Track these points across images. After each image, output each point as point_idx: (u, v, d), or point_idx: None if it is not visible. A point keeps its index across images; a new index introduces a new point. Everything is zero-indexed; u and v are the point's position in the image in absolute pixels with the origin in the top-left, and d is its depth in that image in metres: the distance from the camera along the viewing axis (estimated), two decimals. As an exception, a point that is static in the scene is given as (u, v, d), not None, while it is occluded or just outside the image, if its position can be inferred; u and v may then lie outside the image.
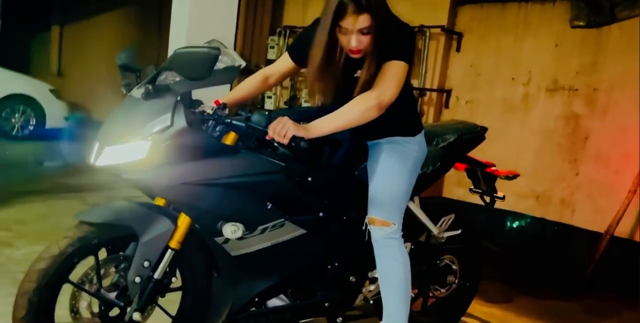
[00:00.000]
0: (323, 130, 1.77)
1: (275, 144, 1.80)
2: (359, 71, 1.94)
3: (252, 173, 1.82)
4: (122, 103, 1.81)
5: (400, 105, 2.00)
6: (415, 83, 5.91)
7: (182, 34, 4.64)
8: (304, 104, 6.42)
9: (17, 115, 7.72)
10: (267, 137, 1.72)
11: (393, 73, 1.85)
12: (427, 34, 5.78)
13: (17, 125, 7.76)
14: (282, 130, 1.68)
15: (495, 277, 3.67)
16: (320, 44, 1.89)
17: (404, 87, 2.00)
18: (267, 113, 1.75)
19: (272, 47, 6.82)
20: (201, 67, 1.61)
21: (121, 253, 1.85)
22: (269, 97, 6.60)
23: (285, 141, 1.67)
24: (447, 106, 5.82)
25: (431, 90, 5.80)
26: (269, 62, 6.91)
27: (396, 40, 1.89)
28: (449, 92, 5.81)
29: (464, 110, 5.66)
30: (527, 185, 4.90)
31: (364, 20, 1.81)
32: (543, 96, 5.11)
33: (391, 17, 1.95)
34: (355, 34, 1.84)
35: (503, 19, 5.44)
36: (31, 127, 7.85)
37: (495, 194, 2.69)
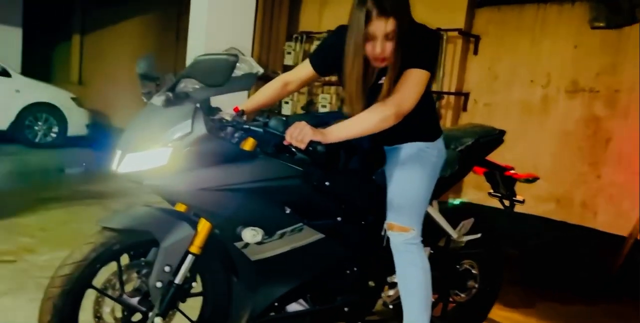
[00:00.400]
0: (340, 136, 1.78)
1: (293, 149, 1.83)
2: (384, 78, 1.93)
3: (270, 178, 1.83)
4: (143, 110, 1.84)
5: (420, 111, 2.00)
6: (432, 87, 5.88)
7: (200, 41, 4.69)
8: (321, 109, 6.43)
9: (40, 123, 7.86)
10: (285, 142, 1.73)
11: (414, 82, 1.85)
12: (444, 37, 5.76)
13: (39, 133, 7.89)
14: (299, 135, 1.69)
15: (516, 281, 3.63)
16: (357, 53, 1.88)
17: (426, 94, 2.00)
18: (284, 118, 1.77)
19: (289, 53, 6.86)
20: (220, 73, 1.64)
21: (143, 258, 1.87)
22: (286, 103, 6.63)
23: (303, 146, 1.69)
24: (465, 109, 5.78)
25: (449, 93, 5.78)
26: (286, 67, 6.95)
27: (419, 47, 1.88)
28: (466, 95, 5.78)
29: (482, 113, 5.62)
30: (547, 188, 4.85)
31: (388, 25, 1.81)
32: (562, 98, 5.06)
33: (415, 23, 1.94)
34: (380, 40, 1.84)
35: (520, 21, 5.41)
36: (53, 135, 7.98)
37: (514, 198, 2.67)
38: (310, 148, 1.71)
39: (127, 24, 10.13)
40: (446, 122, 5.80)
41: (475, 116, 5.65)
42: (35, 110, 7.76)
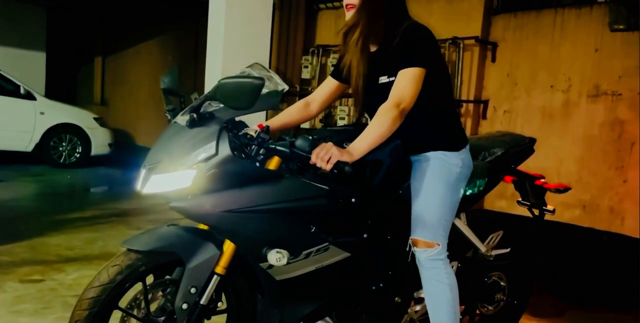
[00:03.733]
0: (363, 149, 1.78)
1: (319, 172, 1.79)
2: (381, 77, 1.96)
3: (295, 198, 1.81)
4: (167, 130, 1.84)
5: (442, 117, 2.00)
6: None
7: (218, 58, 4.75)
8: (339, 122, 6.44)
9: (64, 143, 8.00)
10: (311, 162, 1.71)
11: (407, 80, 1.85)
12: (461, 45, 5.74)
13: (64, 153, 8.04)
14: (325, 155, 1.67)
15: (544, 289, 3.56)
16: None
17: (443, 97, 2.01)
18: (310, 137, 1.73)
19: (306, 67, 6.91)
20: (246, 97, 1.63)
21: (167, 277, 1.88)
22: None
23: (329, 167, 1.67)
24: (484, 117, 5.74)
25: (467, 101, 5.74)
26: (303, 81, 6.99)
27: (408, 46, 1.88)
28: (485, 102, 5.73)
29: (502, 121, 5.57)
30: (572, 194, 4.74)
31: None
32: (585, 102, 4.99)
33: (405, 21, 1.94)
34: None
35: (538, 26, 5.37)
36: (77, 155, 8.12)
37: (544, 207, 2.58)
38: (336, 171, 1.69)
39: (147, 45, 10.32)
40: (466, 130, 5.76)
41: (495, 123, 5.60)
42: (59, 131, 7.91)
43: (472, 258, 2.48)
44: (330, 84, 2.21)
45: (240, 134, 1.80)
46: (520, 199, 2.66)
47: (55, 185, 6.88)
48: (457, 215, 2.26)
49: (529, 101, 5.38)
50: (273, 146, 1.75)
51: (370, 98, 2.02)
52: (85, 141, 8.10)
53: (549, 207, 2.58)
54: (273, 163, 1.82)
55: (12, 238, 3.98)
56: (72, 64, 11.72)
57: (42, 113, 7.75)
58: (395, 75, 1.88)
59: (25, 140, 7.64)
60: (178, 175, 1.69)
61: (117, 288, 1.74)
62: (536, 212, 2.62)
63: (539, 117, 5.29)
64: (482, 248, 2.43)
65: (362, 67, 1.98)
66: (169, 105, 1.88)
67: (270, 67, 4.82)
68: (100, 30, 11.36)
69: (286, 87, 1.83)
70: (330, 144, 1.70)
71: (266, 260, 1.80)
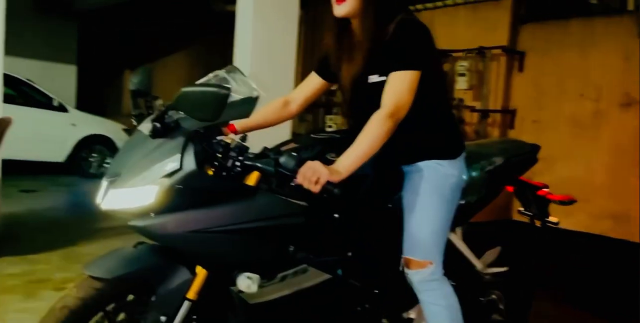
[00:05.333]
0: (352, 165, 1.59)
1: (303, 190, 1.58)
2: (370, 76, 1.78)
3: (270, 216, 1.61)
4: (131, 138, 1.68)
5: (436, 122, 1.85)
6: (477, 105, 5.83)
7: (244, 70, 4.81)
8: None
9: (94, 154, 8.17)
10: (297, 183, 1.54)
11: (400, 84, 1.67)
12: (488, 55, 5.72)
13: (94, 164, 8.19)
14: (313, 176, 1.49)
15: (572, 302, 3.49)
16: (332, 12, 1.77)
17: (438, 101, 1.86)
18: (296, 154, 1.55)
19: (332, 78, 6.93)
20: (210, 108, 1.45)
21: (130, 297, 1.66)
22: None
23: (318, 188, 1.50)
24: (512, 127, 5.68)
25: (495, 111, 5.70)
26: (329, 92, 7.03)
27: (400, 46, 1.69)
28: (513, 112, 5.68)
29: (531, 130, 5.51)
30: (602, 204, 4.68)
31: None
32: (615, 111, 4.92)
33: (397, 18, 1.73)
34: None
35: (566, 36, 5.32)
36: (107, 166, 8.26)
37: (547, 219, 2.36)
38: (325, 194, 1.52)
39: (175, 58, 10.50)
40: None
41: (524, 133, 5.54)
42: (90, 143, 8.08)
43: (467, 276, 2.27)
44: (313, 81, 2.02)
45: (214, 141, 1.61)
46: (521, 209, 2.44)
47: (87, 195, 7.01)
48: (452, 230, 2.12)
49: (557, 110, 5.32)
50: (256, 163, 1.57)
51: (358, 98, 1.84)
52: (115, 152, 8.23)
53: (553, 219, 2.37)
54: (252, 178, 1.63)
55: (47, 247, 4.06)
56: (102, 77, 11.99)
57: (73, 125, 7.93)
58: (386, 74, 1.69)
59: (57, 151, 7.81)
60: (138, 190, 1.50)
61: (76, 319, 1.52)
62: (538, 223, 2.40)
63: (569, 126, 5.22)
64: (478, 265, 2.26)
65: (355, 65, 1.79)
66: (136, 110, 1.69)
67: (296, 77, 4.88)
68: (130, 43, 11.60)
69: (261, 94, 1.66)
70: (317, 162, 1.52)
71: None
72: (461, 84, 5.86)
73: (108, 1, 9.23)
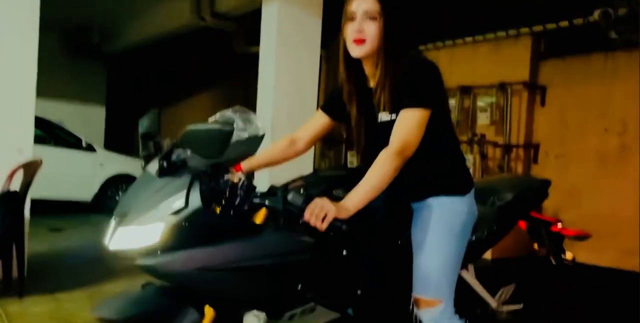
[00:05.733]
0: (360, 202, 1.58)
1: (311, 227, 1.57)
2: (381, 114, 1.78)
3: (277, 253, 1.60)
4: (139, 178, 1.70)
5: (444, 160, 1.86)
6: (499, 140, 5.81)
7: (268, 108, 4.91)
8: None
9: (121, 192, 8.29)
10: (304, 220, 1.53)
11: (410, 122, 1.67)
12: (509, 90, 5.74)
13: (120, 203, 8.31)
14: (321, 212, 1.49)
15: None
16: (341, 51, 1.80)
17: (447, 138, 1.87)
18: (303, 191, 1.57)
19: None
20: (214, 145, 1.50)
21: None
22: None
23: (325, 226, 1.49)
24: (535, 161, 5.63)
25: (517, 146, 5.67)
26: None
27: (411, 84, 1.70)
28: (536, 147, 5.64)
29: (554, 165, 5.45)
30: (632, 240, 4.56)
31: (369, 4, 1.71)
32: (641, 145, 4.85)
33: (408, 57, 1.75)
34: (359, 18, 1.72)
35: (588, 70, 5.32)
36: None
37: (562, 255, 2.32)
38: (332, 232, 1.52)
39: (200, 97, 10.75)
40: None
41: (547, 168, 5.48)
42: (116, 181, 8.21)
43: (481, 314, 2.23)
44: (319, 120, 2.02)
45: (221, 180, 1.62)
46: (535, 246, 2.40)
47: (112, 234, 7.07)
48: (465, 267, 2.10)
49: (582, 145, 5.27)
50: (264, 201, 1.57)
51: (368, 136, 1.86)
52: (141, 190, 8.36)
53: (568, 256, 2.33)
54: (260, 216, 1.63)
55: (73, 285, 4.09)
56: (129, 116, 12.28)
57: (101, 164, 8.09)
58: (396, 112, 1.70)
59: (85, 190, 7.96)
60: (145, 229, 1.51)
61: None
62: (553, 260, 2.34)
63: (593, 161, 5.15)
64: (493, 303, 2.22)
65: (367, 104, 1.81)
66: (144, 151, 1.71)
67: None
68: (156, 84, 11.93)
69: (265, 132, 1.67)
70: (325, 199, 1.51)
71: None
72: (483, 119, 5.86)
73: (135, 44, 9.56)
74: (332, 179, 1.83)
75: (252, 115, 1.67)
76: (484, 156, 5.88)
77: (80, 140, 7.99)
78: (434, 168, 1.84)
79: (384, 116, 1.77)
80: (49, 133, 7.78)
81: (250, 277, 1.58)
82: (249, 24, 7.57)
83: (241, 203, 1.58)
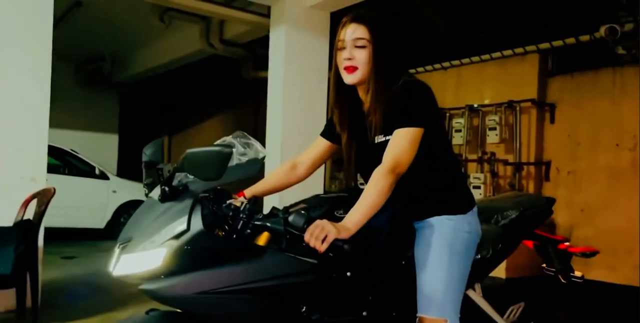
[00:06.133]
0: (360, 221, 1.60)
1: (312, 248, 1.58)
2: (376, 137, 1.81)
3: (279, 275, 1.60)
4: (143, 205, 1.72)
5: (444, 179, 1.87)
6: (510, 158, 5.79)
7: (277, 131, 4.95)
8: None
9: (133, 219, 8.33)
10: (305, 242, 1.54)
11: (403, 141, 1.70)
12: (517, 108, 5.74)
13: (133, 229, 8.35)
14: (321, 234, 1.50)
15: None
16: (332, 77, 1.85)
17: (444, 158, 1.89)
18: (304, 213, 1.57)
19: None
20: (213, 167, 1.51)
21: None
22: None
23: (324, 247, 1.50)
24: (547, 179, 5.60)
25: (528, 163, 5.64)
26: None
27: (403, 104, 1.73)
28: (547, 164, 5.61)
29: (567, 182, 5.41)
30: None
31: (358, 31, 1.75)
32: (654, 160, 4.81)
33: (401, 78, 1.78)
34: (349, 47, 1.77)
35: (596, 86, 5.32)
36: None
37: (572, 273, 2.31)
38: (331, 254, 1.53)
39: (210, 122, 10.87)
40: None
41: (559, 185, 5.44)
42: (129, 208, 8.26)
43: None
44: (320, 145, 2.07)
45: (224, 205, 1.65)
46: (544, 265, 2.37)
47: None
48: (471, 286, 2.08)
49: (593, 161, 5.23)
50: (265, 223, 1.58)
51: (365, 159, 1.88)
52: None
53: (577, 274, 2.30)
54: (262, 238, 1.64)
55: (86, 313, 4.09)
56: (142, 144, 12.38)
57: (114, 191, 8.16)
58: (391, 134, 1.73)
59: (98, 217, 8.01)
60: (148, 254, 1.52)
61: None
62: (562, 279, 2.33)
63: (606, 176, 5.11)
64: (501, 322, 2.18)
65: (362, 127, 1.85)
66: (148, 179, 1.72)
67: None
68: (167, 111, 12.09)
69: (266, 154, 1.71)
70: (325, 221, 1.53)
71: None
72: (492, 137, 5.86)
73: (146, 72, 9.73)
74: (333, 200, 1.83)
75: (252, 140, 1.70)
76: (494, 174, 5.85)
77: (94, 168, 8.08)
78: (433, 187, 1.85)
79: (379, 138, 1.80)
80: (62, 161, 7.89)
81: (254, 300, 1.58)
82: (257, 50, 7.70)
83: (243, 227, 1.59)
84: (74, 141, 9.08)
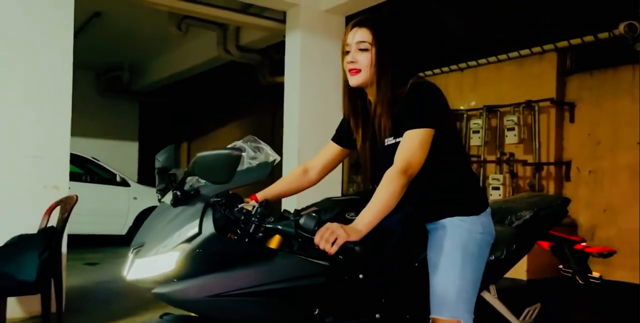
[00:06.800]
0: (371, 222, 1.60)
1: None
2: (387, 139, 1.81)
3: (291, 277, 1.60)
4: (155, 210, 1.74)
5: (456, 180, 1.87)
6: (529, 158, 5.74)
7: (294, 137, 4.97)
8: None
9: (154, 225, 8.41)
10: (315, 244, 1.54)
11: (414, 142, 1.70)
12: (536, 108, 5.69)
13: (155, 235, 8.42)
14: (331, 236, 1.50)
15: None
16: (343, 81, 1.88)
17: (456, 159, 1.88)
18: (315, 215, 1.58)
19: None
20: (223, 170, 1.51)
21: None
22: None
23: (334, 250, 1.50)
24: (567, 179, 5.53)
25: (548, 163, 5.58)
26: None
27: (412, 106, 1.74)
28: (568, 163, 5.55)
29: (588, 181, 5.34)
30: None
31: (361, 34, 1.79)
32: (677, 158, 4.73)
33: (409, 73, 1.81)
34: (353, 50, 1.81)
35: (616, 84, 5.25)
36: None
37: (589, 274, 2.27)
38: (341, 256, 1.53)
39: (228, 128, 10.94)
40: (549, 193, 5.55)
41: (580, 185, 5.38)
42: (149, 214, 8.31)
43: None
44: (331, 149, 2.08)
45: (236, 209, 1.65)
46: (561, 267, 2.34)
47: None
48: (486, 288, 2.06)
49: (614, 160, 5.16)
50: (276, 226, 1.59)
51: (376, 161, 1.88)
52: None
53: (595, 274, 2.27)
54: (274, 242, 1.66)
55: (109, 317, 4.14)
56: (160, 150, 12.55)
57: (135, 198, 8.25)
58: (401, 136, 1.74)
59: (120, 224, 8.10)
60: (161, 258, 1.53)
61: None
62: (580, 280, 2.29)
63: (628, 175, 5.03)
64: None
65: (372, 130, 1.87)
66: (160, 185, 1.74)
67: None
68: (186, 118, 12.21)
69: (278, 158, 1.69)
70: (335, 224, 1.53)
71: None
72: (511, 138, 5.81)
73: (164, 80, 9.84)
74: (344, 203, 1.84)
75: (263, 143, 1.70)
76: (513, 175, 5.80)
77: (115, 175, 8.18)
78: (445, 188, 1.85)
79: (389, 140, 1.81)
80: (84, 169, 8.00)
81: (266, 303, 1.58)
82: (273, 56, 7.74)
83: (255, 230, 1.60)
84: (95, 149, 9.22)
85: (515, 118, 5.77)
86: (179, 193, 1.60)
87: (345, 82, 1.88)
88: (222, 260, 1.55)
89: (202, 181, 1.63)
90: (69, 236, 4.02)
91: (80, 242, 6.45)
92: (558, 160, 5.58)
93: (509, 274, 2.18)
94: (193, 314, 1.63)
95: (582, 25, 5.35)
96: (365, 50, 1.79)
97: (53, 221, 3.66)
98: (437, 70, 6.69)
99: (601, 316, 3.62)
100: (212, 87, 10.35)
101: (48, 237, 3.38)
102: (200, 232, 1.52)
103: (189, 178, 1.63)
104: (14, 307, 3.74)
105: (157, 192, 1.74)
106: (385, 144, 1.82)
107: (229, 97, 10.39)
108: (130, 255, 1.61)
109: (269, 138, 9.21)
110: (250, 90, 9.28)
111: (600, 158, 5.28)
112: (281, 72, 5.49)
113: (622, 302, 4.19)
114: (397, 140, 1.76)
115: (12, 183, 3.79)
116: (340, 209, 1.72)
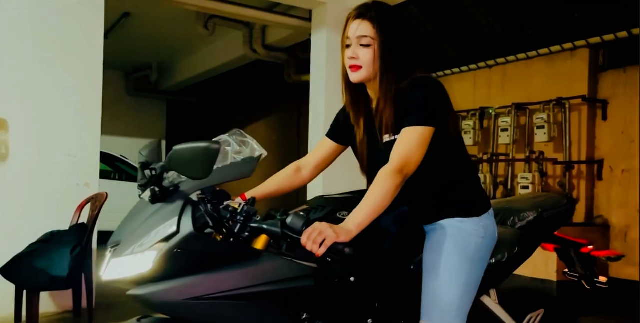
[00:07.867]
0: (363, 223, 1.50)
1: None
2: (384, 136, 1.72)
3: (276, 280, 1.49)
4: (134, 207, 1.64)
5: (456, 180, 1.78)
6: (560, 157, 5.63)
7: (319, 134, 4.97)
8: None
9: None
10: (302, 244, 1.45)
11: (411, 140, 1.61)
12: (567, 105, 5.58)
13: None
14: (319, 237, 1.41)
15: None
16: (342, 76, 1.80)
17: (457, 158, 1.79)
18: (303, 215, 1.49)
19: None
20: (200, 164, 1.41)
21: None
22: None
23: (322, 251, 1.41)
24: (600, 178, 5.41)
25: (579, 162, 5.47)
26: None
27: (413, 102, 1.64)
28: (600, 162, 5.43)
29: (621, 181, 5.21)
30: None
31: (362, 28, 1.67)
32: None
33: (403, 72, 1.70)
34: (353, 45, 1.70)
35: (651, 81, 5.12)
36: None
37: (596, 279, 2.18)
38: (329, 258, 1.47)
39: (253, 126, 11.00)
40: (580, 193, 5.45)
41: (613, 184, 5.25)
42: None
43: None
44: (326, 146, 1.97)
45: (221, 206, 1.55)
46: (567, 271, 2.25)
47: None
48: (487, 292, 1.99)
49: (649, 158, 5.03)
50: (262, 225, 1.50)
51: (372, 159, 1.80)
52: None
53: (602, 279, 2.17)
54: (260, 242, 1.54)
55: (139, 313, 4.20)
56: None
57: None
58: (399, 133, 1.65)
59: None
60: (137, 258, 1.43)
61: None
62: (586, 285, 2.20)
63: (663, 174, 4.90)
64: None
65: (370, 126, 1.78)
66: (141, 180, 1.61)
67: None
68: (213, 116, 12.32)
69: (265, 153, 1.60)
70: (324, 223, 1.44)
71: None
72: (540, 136, 5.70)
73: (190, 79, 9.95)
74: (336, 201, 1.74)
75: (249, 138, 1.61)
76: (543, 174, 5.70)
77: (143, 173, 8.32)
78: (445, 189, 1.77)
79: (387, 137, 1.72)
80: (113, 167, 8.14)
81: (251, 306, 1.48)
82: (299, 54, 7.76)
83: (241, 230, 1.50)
84: (124, 147, 9.36)
85: (545, 116, 5.66)
86: (157, 189, 1.50)
87: (345, 76, 1.79)
88: (204, 260, 1.45)
89: (183, 177, 1.53)
90: (99, 233, 4.09)
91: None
92: (590, 158, 5.46)
93: (538, 275, 2.13)
94: (171, 318, 1.54)
95: (615, 20, 5.23)
96: (367, 45, 1.68)
97: (84, 218, 3.74)
98: (464, 68, 6.61)
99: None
100: (238, 85, 10.42)
101: (79, 233, 3.45)
102: (178, 231, 1.42)
103: (169, 174, 1.53)
104: (46, 301, 3.83)
105: (138, 188, 1.61)
106: (384, 141, 1.73)
107: (254, 96, 10.45)
108: (108, 254, 1.52)
109: (295, 137, 9.24)
110: (276, 88, 9.31)
111: (634, 156, 5.15)
112: (307, 70, 5.50)
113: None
114: (396, 137, 1.68)
115: (47, 181, 3.89)
116: (332, 208, 1.65)
